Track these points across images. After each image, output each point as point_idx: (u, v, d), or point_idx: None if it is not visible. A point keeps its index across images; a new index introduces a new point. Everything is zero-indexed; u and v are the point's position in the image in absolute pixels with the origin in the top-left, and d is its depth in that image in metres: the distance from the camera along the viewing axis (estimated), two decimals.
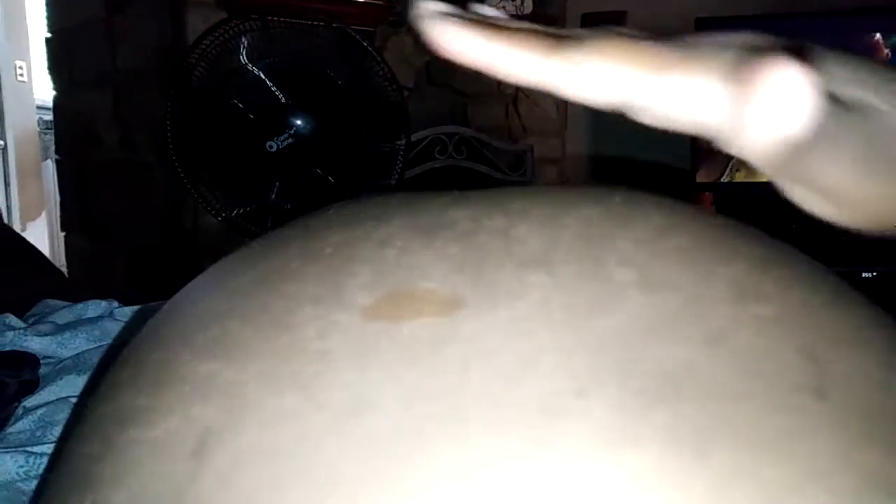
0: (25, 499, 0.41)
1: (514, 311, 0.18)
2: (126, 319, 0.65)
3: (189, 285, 0.26)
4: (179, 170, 1.23)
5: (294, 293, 0.21)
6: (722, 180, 2.02)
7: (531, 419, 0.16)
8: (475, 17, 0.22)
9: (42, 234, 2.94)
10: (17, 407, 0.53)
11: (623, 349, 0.17)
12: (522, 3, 2.30)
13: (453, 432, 0.16)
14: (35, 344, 0.62)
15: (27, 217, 2.90)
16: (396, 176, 1.29)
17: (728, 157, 2.01)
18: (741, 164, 1.98)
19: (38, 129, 3.07)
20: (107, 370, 0.25)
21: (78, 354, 0.62)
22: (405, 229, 0.22)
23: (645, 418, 0.16)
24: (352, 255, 0.21)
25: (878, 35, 1.93)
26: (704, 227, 0.23)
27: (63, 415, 0.50)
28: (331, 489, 0.16)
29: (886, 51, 1.92)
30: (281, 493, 0.16)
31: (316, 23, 1.27)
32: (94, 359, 0.57)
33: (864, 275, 1.75)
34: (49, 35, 2.09)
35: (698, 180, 2.03)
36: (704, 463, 0.15)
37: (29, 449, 0.46)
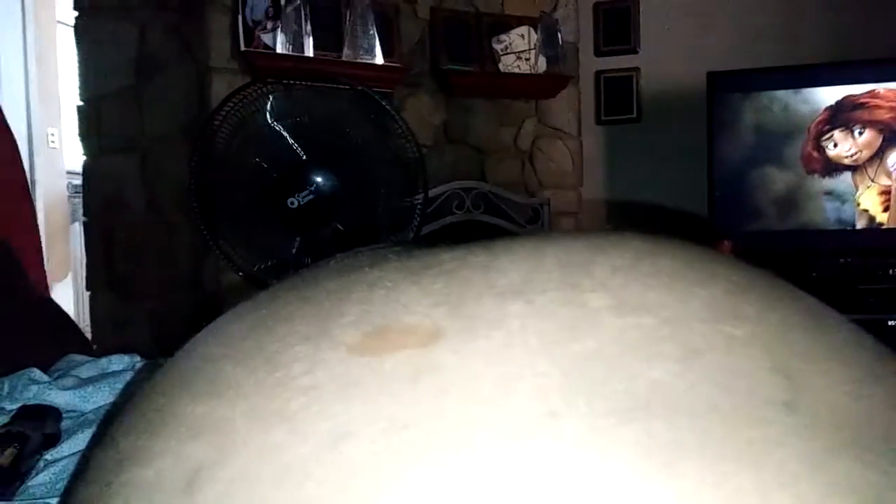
0: None
1: (491, 340, 0.19)
2: None
3: (196, 335, 0.27)
4: (202, 227, 1.26)
5: (286, 334, 0.22)
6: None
7: (504, 442, 0.17)
8: None
9: (67, 295, 2.99)
10: (38, 460, 0.53)
11: (595, 371, 0.18)
12: (536, 61, 2.36)
13: (429, 459, 0.17)
14: (58, 398, 0.63)
15: (53, 278, 2.95)
16: (414, 230, 1.30)
17: (744, 204, 2.01)
18: (759, 212, 1.97)
19: (66, 193, 3.16)
20: (108, 425, 0.26)
21: (99, 408, 0.62)
22: (396, 271, 0.23)
23: (615, 436, 0.17)
24: (344, 297, 0.23)
25: (885, 85, 1.94)
26: (685, 252, 0.23)
27: None
28: None
29: None
30: None
31: (337, 86, 1.31)
32: None
33: (889, 322, 1.72)
34: (81, 103, 2.17)
35: (716, 228, 2.02)
36: (673, 475, 0.16)
37: (49, 501, 0.46)
